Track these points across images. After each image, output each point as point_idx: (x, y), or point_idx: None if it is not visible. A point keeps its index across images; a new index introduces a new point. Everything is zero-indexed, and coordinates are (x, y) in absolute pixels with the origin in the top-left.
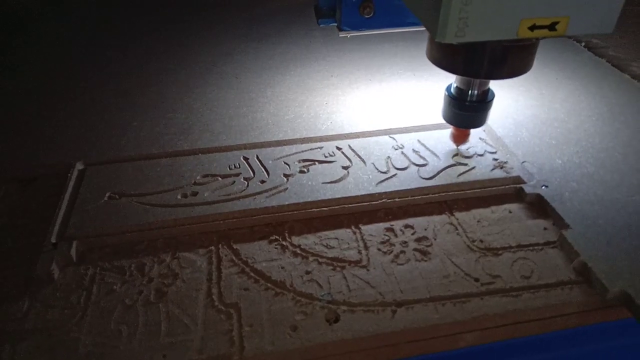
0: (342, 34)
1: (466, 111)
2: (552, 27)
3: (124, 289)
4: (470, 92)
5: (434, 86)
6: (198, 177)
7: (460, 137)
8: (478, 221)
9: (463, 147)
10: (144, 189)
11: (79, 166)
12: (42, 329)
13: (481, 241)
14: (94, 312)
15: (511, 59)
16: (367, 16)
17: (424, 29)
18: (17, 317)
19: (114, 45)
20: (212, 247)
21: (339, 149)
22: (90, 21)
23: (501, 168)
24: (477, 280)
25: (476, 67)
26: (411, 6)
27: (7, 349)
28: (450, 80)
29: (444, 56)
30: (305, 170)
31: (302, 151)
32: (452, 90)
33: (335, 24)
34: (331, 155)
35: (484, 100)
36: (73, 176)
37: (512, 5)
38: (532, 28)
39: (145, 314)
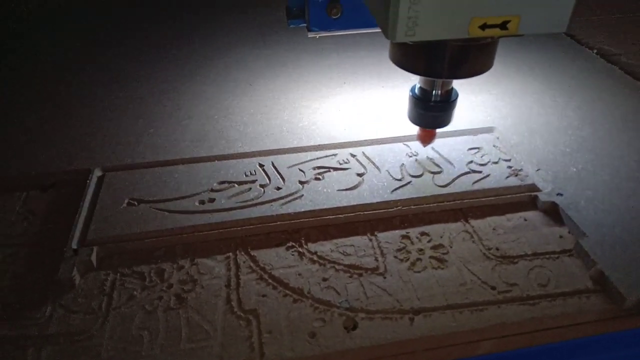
0: (310, 35)
1: (431, 111)
2: (503, 26)
3: (144, 294)
4: (434, 92)
5: None
6: (215, 184)
7: (426, 138)
8: (493, 229)
9: (477, 155)
10: (161, 195)
11: (97, 172)
12: (65, 334)
13: (497, 249)
14: (115, 318)
15: (470, 59)
16: (334, 17)
17: None
18: (40, 321)
19: (126, 52)
20: (230, 254)
21: (353, 156)
22: (103, 28)
23: (516, 176)
24: (493, 288)
25: (436, 67)
26: (369, 7)
27: (31, 353)
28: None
29: (405, 57)
30: (320, 177)
31: (317, 158)
32: (416, 90)
33: (305, 25)
34: (346, 163)
35: (448, 100)
36: (92, 182)
37: (461, 4)
38: (484, 27)
39: (165, 319)
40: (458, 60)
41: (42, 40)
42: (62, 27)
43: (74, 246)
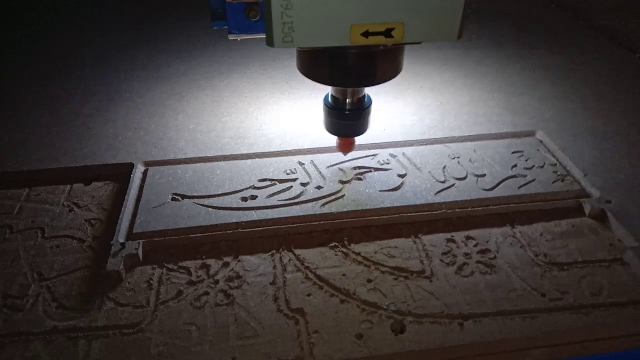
0: (231, 37)
1: (345, 120)
2: (387, 33)
3: (191, 290)
4: (346, 100)
5: (488, 96)
6: (256, 182)
7: (346, 147)
8: (541, 235)
9: (522, 159)
10: (205, 191)
11: (140, 167)
12: (114, 327)
13: (545, 255)
14: (164, 313)
15: (373, 66)
16: (254, 19)
17: None
18: (90, 314)
19: (165, 49)
20: (274, 252)
21: (393, 156)
22: (141, 25)
23: (562, 181)
24: (544, 295)
25: (341, 76)
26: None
27: (83, 345)
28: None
29: (310, 67)
30: (361, 177)
31: (357, 158)
32: (330, 100)
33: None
34: (386, 163)
35: (362, 108)
36: (135, 177)
37: (338, 10)
38: (367, 35)
39: (213, 316)
40: (362, 68)
41: (79, 36)
42: (100, 23)
43: (121, 240)
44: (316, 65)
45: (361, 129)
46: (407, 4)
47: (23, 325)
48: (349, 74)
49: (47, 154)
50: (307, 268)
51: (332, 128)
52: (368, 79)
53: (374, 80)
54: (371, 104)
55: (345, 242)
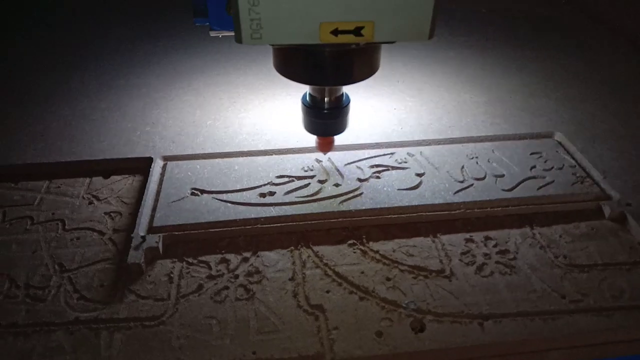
0: (213, 34)
1: (324, 119)
2: (357, 32)
3: (211, 284)
4: (324, 99)
5: (506, 96)
6: (274, 178)
7: (325, 146)
8: (560, 236)
9: (540, 160)
10: (223, 186)
11: (159, 161)
12: (135, 319)
13: (565, 257)
14: (184, 306)
15: (349, 64)
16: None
17: None
18: (111, 306)
19: (180, 44)
20: (292, 248)
21: (410, 155)
22: (157, 20)
23: (581, 183)
24: (564, 297)
25: (317, 74)
26: None
27: (105, 336)
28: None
29: (285, 65)
30: (379, 176)
31: (374, 156)
32: (307, 99)
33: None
34: (404, 162)
35: (340, 106)
36: (154, 171)
37: (307, 8)
38: (336, 33)
39: (233, 310)
40: (337, 66)
41: (95, 31)
42: (117, 17)
43: (142, 233)
44: (290, 63)
45: (340, 127)
46: (376, 2)
47: (45, 316)
48: (322, 72)
49: (66, 146)
50: (326, 265)
51: (311, 127)
52: (342, 78)
53: (349, 79)
54: (349, 102)
55: (363, 240)
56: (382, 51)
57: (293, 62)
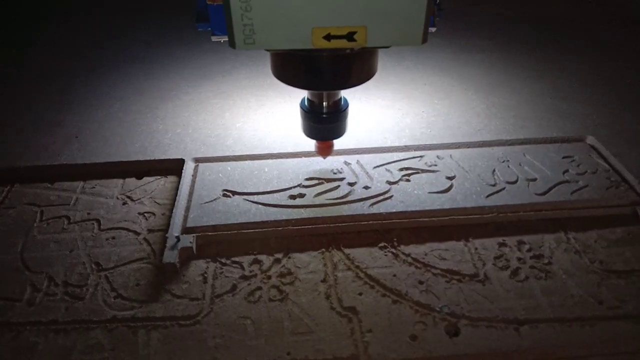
0: (214, 39)
1: (322, 124)
2: (349, 37)
3: (245, 284)
4: (323, 103)
5: (535, 100)
6: (303, 180)
7: (324, 150)
8: (595, 241)
9: (573, 164)
10: (253, 188)
11: (191, 163)
12: (171, 318)
13: (601, 262)
14: (219, 306)
15: (346, 68)
16: None
17: None
18: (148, 305)
19: (208, 48)
20: (323, 249)
21: (440, 158)
22: (186, 25)
23: (616, 187)
24: (601, 303)
25: (313, 79)
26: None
27: (142, 334)
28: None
29: (282, 71)
30: (408, 178)
31: (403, 159)
32: (306, 103)
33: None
34: (434, 165)
35: (339, 110)
36: (186, 172)
37: (298, 13)
38: (328, 38)
39: (267, 310)
40: (334, 71)
41: (125, 37)
42: (146, 22)
43: (176, 233)
44: (287, 67)
45: (340, 131)
46: (368, 7)
47: (84, 313)
48: (318, 76)
49: (100, 148)
50: (357, 267)
51: (310, 132)
52: (338, 82)
53: (345, 83)
54: (348, 105)
55: (395, 243)
56: (379, 55)
57: (288, 67)
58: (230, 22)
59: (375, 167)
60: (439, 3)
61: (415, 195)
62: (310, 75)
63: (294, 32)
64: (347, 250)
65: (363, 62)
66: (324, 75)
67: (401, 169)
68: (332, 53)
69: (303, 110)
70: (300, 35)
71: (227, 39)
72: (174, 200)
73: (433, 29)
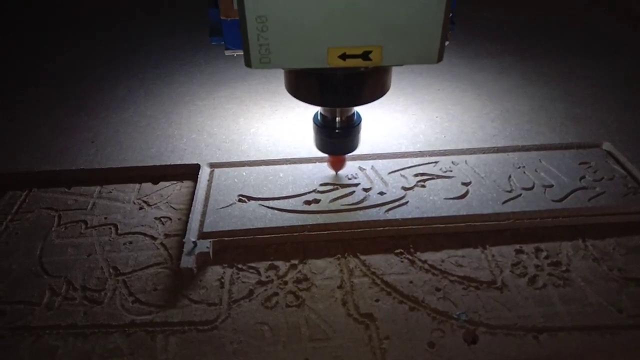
0: (227, 53)
1: (335, 138)
2: (365, 56)
3: (261, 290)
4: (336, 119)
5: (550, 105)
6: (318, 185)
7: (337, 164)
8: (613, 249)
9: (589, 170)
10: (269, 193)
11: (206, 168)
12: (189, 323)
13: (620, 270)
14: (236, 311)
15: (361, 85)
16: None
17: None
18: (165, 310)
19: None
20: (339, 255)
21: (455, 164)
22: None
23: (634, 194)
24: (620, 311)
25: (327, 96)
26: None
27: (160, 339)
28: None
29: (297, 88)
30: (424, 184)
31: (418, 165)
32: (319, 118)
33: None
34: (449, 171)
35: (352, 125)
36: (202, 178)
37: (314, 33)
38: (344, 57)
39: (284, 316)
40: (348, 88)
41: (139, 42)
42: (159, 26)
43: (193, 238)
44: (300, 84)
45: (353, 145)
46: (384, 27)
47: (102, 318)
48: (332, 94)
49: (116, 153)
50: (374, 273)
51: (322, 146)
52: (353, 99)
53: (359, 100)
54: (361, 120)
55: (411, 249)
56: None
57: (301, 84)
58: (246, 41)
59: (390, 173)
60: (451, 17)
61: (431, 201)
62: (324, 92)
63: (309, 52)
64: (363, 257)
65: (377, 79)
66: (338, 93)
67: (416, 175)
68: (347, 71)
69: (316, 124)
70: (315, 55)
71: (240, 53)
72: (190, 205)
73: (446, 43)
